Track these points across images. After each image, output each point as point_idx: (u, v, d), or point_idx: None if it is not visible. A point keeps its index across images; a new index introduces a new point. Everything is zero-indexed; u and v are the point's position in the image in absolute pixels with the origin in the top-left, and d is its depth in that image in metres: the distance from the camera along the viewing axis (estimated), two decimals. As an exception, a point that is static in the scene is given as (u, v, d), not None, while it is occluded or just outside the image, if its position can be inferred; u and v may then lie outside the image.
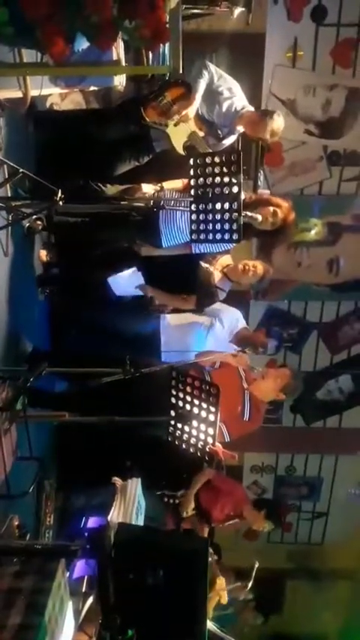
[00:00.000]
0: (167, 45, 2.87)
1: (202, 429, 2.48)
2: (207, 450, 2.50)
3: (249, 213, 2.79)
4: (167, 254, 3.50)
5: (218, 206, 2.48)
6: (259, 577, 4.31)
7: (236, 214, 2.45)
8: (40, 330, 3.80)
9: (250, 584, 4.28)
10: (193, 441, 2.53)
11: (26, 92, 3.18)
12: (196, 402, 2.48)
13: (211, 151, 3.44)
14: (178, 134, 3.48)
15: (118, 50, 3.03)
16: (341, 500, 6.39)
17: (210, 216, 2.51)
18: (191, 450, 2.55)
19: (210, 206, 2.50)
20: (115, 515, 2.36)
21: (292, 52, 4.74)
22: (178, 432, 2.57)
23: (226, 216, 2.47)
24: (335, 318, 5.71)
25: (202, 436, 2.49)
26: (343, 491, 6.37)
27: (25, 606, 1.48)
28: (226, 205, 2.46)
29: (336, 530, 6.50)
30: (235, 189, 2.42)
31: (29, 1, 2.29)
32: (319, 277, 5.43)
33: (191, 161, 2.54)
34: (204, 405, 2.45)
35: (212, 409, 2.42)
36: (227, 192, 2.44)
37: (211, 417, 2.44)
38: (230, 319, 3.76)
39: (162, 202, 2.91)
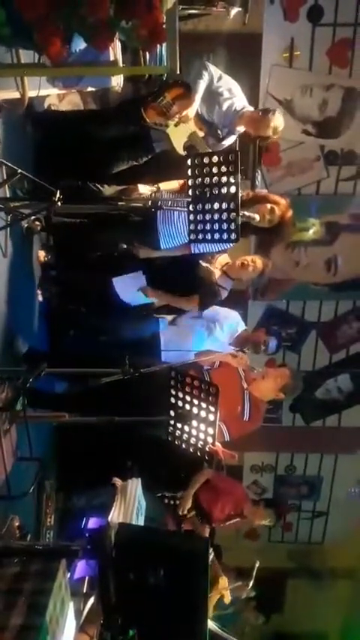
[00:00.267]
0: (164, 45, 2.87)
1: (202, 428, 2.48)
2: (207, 449, 2.50)
3: (247, 213, 2.78)
4: (166, 255, 3.50)
5: (216, 206, 2.47)
6: (259, 576, 4.31)
7: (234, 214, 2.45)
8: (38, 331, 3.81)
9: (251, 583, 4.29)
10: (192, 440, 2.54)
11: (24, 93, 3.18)
12: (196, 401, 2.48)
13: (210, 151, 3.45)
14: (179, 134, 3.48)
15: (116, 51, 3.04)
16: (341, 499, 6.39)
17: (208, 216, 2.51)
18: (191, 449, 2.55)
19: (208, 206, 2.49)
20: (115, 516, 2.35)
21: (288, 52, 4.74)
22: (178, 431, 2.57)
23: (224, 216, 2.47)
24: (334, 318, 5.71)
25: (201, 436, 2.49)
26: (343, 490, 6.37)
27: (26, 607, 1.48)
28: (224, 205, 2.46)
29: (336, 530, 6.49)
30: (232, 189, 2.42)
31: (26, 2, 2.30)
32: (317, 277, 5.44)
33: (189, 161, 2.54)
34: (203, 405, 2.45)
35: (212, 409, 2.42)
36: (225, 192, 2.44)
37: (211, 417, 2.44)
38: (230, 323, 3.75)
39: (160, 203, 2.91)
